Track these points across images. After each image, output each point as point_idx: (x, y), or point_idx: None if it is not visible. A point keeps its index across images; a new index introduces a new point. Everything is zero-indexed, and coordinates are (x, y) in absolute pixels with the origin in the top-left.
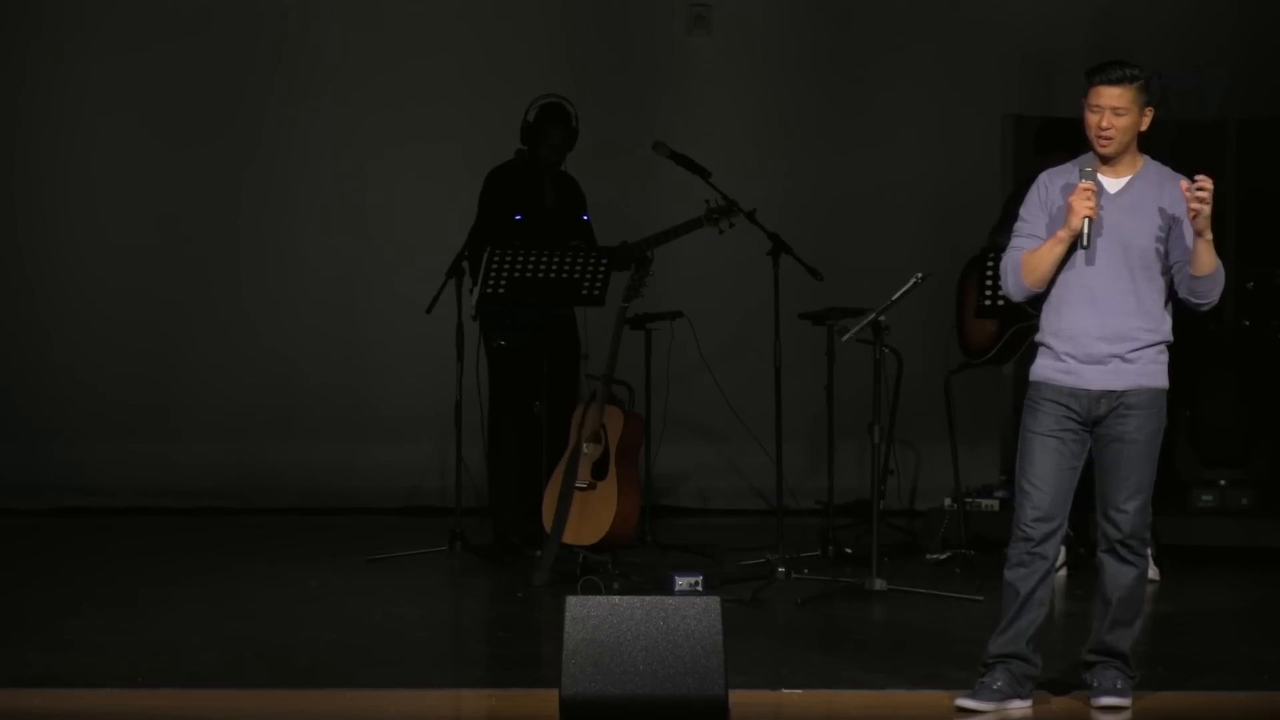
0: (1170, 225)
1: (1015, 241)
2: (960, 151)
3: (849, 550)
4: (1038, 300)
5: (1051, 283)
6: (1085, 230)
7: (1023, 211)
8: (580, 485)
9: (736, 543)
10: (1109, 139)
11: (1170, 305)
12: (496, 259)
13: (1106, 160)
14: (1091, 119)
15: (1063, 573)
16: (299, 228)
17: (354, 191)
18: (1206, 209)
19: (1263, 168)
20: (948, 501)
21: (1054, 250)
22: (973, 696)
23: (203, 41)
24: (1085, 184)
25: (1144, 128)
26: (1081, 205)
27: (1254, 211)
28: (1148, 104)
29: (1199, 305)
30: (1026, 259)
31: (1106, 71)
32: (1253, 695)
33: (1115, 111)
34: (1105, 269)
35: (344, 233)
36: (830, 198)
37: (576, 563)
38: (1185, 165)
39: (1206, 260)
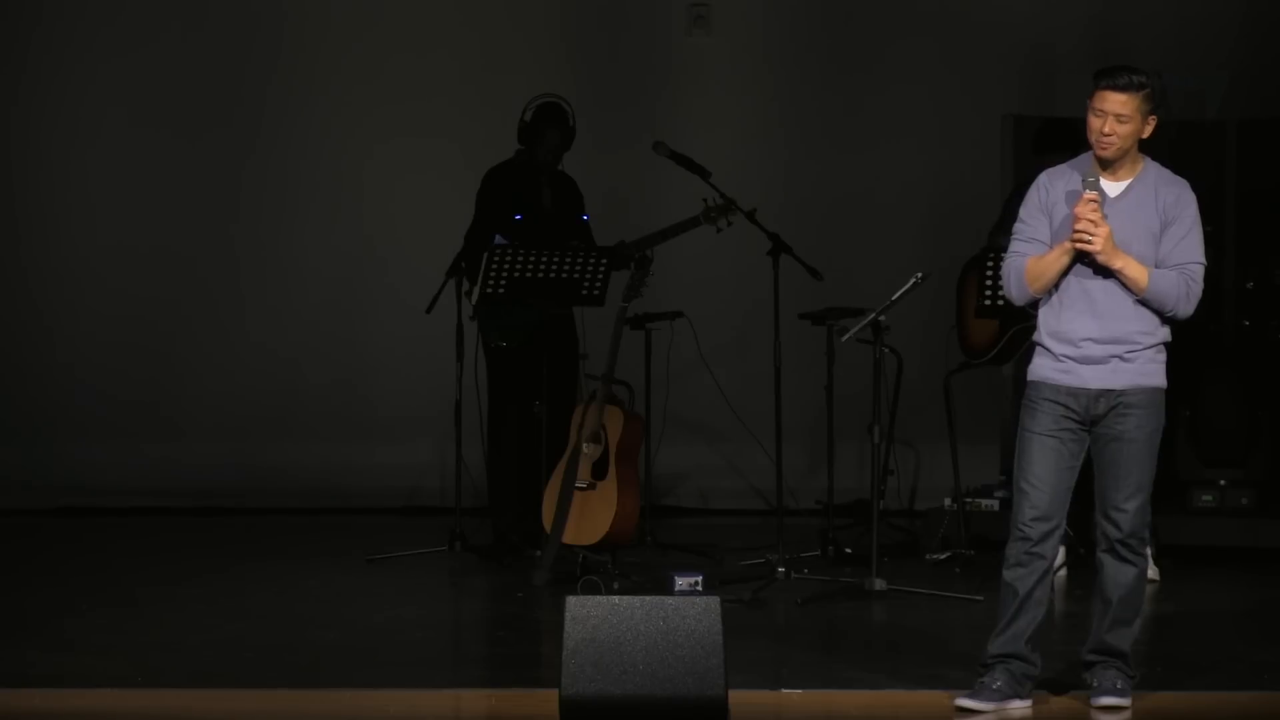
0: (1163, 229)
1: (1016, 245)
2: (960, 151)
3: (849, 550)
4: (1038, 302)
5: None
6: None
7: (1023, 213)
8: (580, 485)
9: (736, 543)
10: (1109, 144)
11: None
12: (496, 259)
13: (1107, 164)
14: (1094, 123)
15: (1062, 573)
16: (298, 227)
17: (353, 190)
18: (1096, 242)
19: (1263, 168)
20: (948, 501)
21: (1060, 260)
22: (972, 696)
23: (200, 39)
24: (1089, 194)
25: (1146, 135)
26: (1092, 222)
27: (1254, 211)
28: (1151, 112)
29: (1165, 316)
30: (1031, 266)
31: (1114, 76)
32: (1253, 695)
33: (1119, 118)
34: (1104, 272)
35: (343, 232)
36: (830, 197)
37: (576, 563)
38: (1185, 165)
39: (1130, 284)
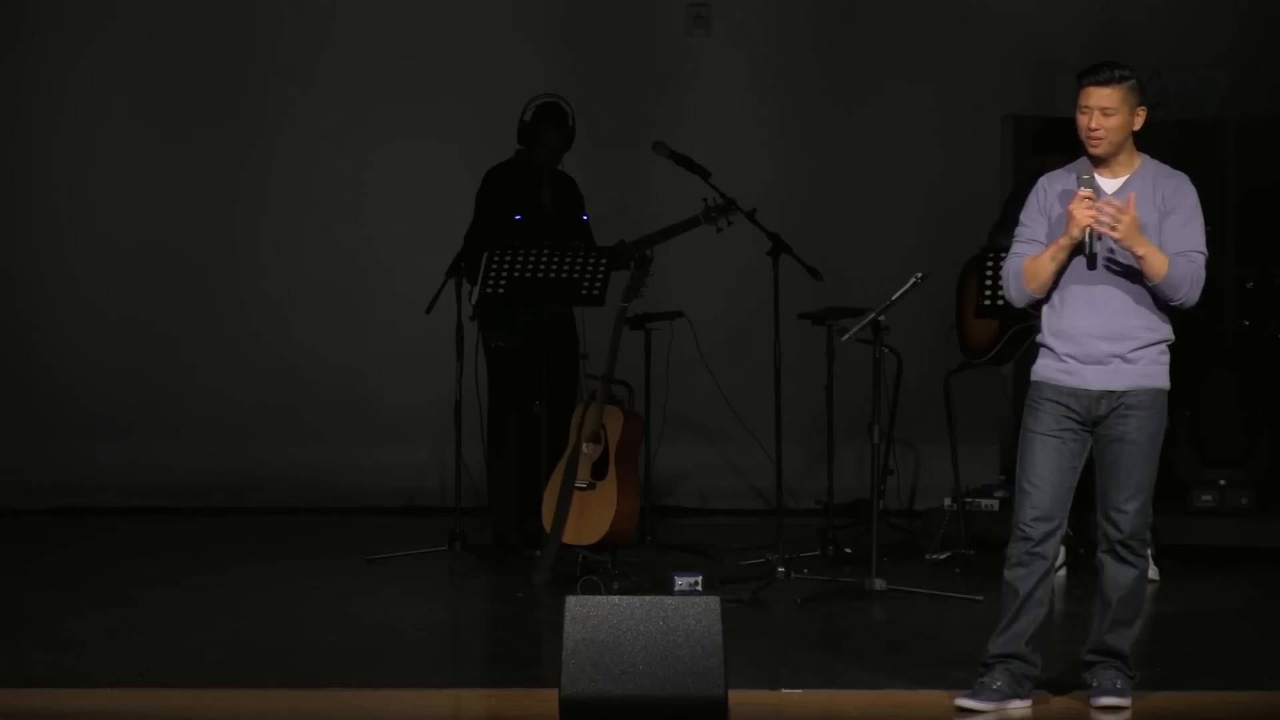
0: (1162, 218)
1: (1016, 247)
2: (960, 151)
3: (849, 550)
4: (1038, 302)
5: (1052, 284)
6: (1087, 240)
7: (1022, 216)
8: (580, 485)
9: (736, 543)
10: (1098, 139)
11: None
12: (496, 259)
13: (1102, 161)
14: (1081, 120)
15: (1062, 573)
16: (298, 227)
17: (353, 190)
18: (1120, 229)
19: (1263, 168)
20: (947, 501)
21: (1056, 258)
22: (972, 696)
23: (201, 39)
24: (1084, 191)
25: (1136, 127)
26: (1082, 214)
27: (1254, 211)
28: (1139, 104)
29: (1172, 303)
30: (1028, 266)
31: (1095, 73)
32: (1253, 695)
33: (1104, 112)
34: (1104, 269)
35: (343, 232)
36: (830, 197)
37: (576, 563)
38: (1185, 165)
39: (1151, 270)
